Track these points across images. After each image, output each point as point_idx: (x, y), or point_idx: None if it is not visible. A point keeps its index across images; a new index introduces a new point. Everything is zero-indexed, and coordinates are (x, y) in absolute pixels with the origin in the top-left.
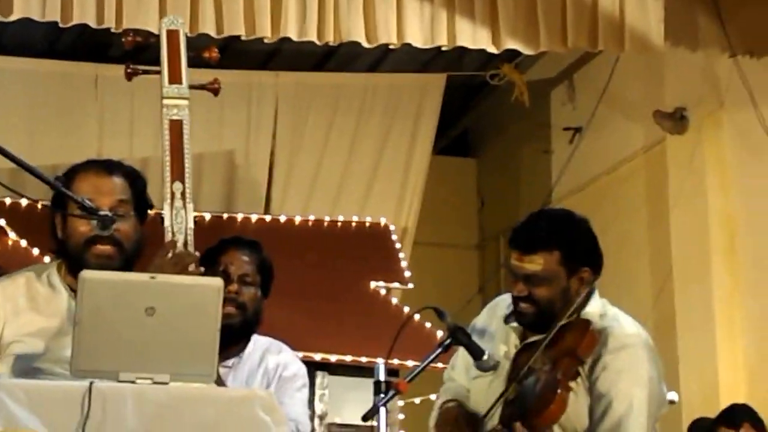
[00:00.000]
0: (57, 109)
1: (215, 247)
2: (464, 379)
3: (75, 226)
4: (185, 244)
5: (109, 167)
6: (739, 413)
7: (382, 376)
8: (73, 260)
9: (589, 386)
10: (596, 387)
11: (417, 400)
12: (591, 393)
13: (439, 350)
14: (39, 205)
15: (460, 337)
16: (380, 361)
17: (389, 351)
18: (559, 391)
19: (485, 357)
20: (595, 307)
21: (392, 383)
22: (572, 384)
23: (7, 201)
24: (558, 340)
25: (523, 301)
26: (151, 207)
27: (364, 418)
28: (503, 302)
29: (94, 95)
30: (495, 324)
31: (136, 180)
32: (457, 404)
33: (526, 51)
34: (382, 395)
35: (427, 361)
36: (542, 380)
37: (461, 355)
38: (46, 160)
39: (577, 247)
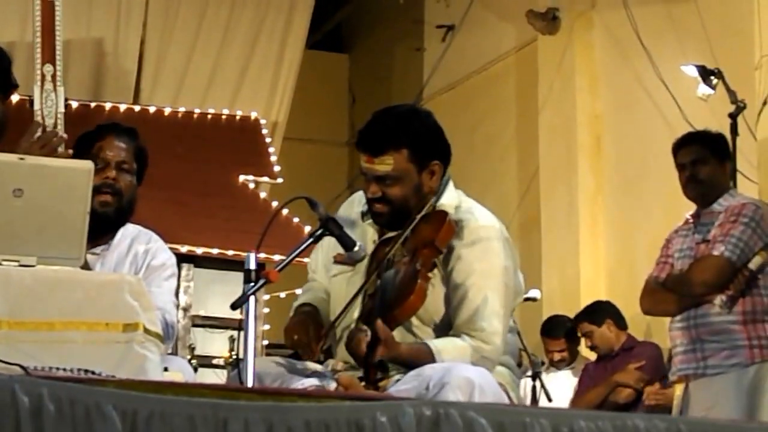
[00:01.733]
0: None
1: (92, 132)
2: (323, 277)
3: None
4: (55, 126)
5: None
6: (601, 310)
7: (252, 266)
8: None
9: (445, 276)
10: (452, 278)
11: (282, 294)
12: (447, 283)
13: (310, 240)
14: None
15: (332, 227)
16: (249, 253)
17: (260, 241)
18: (419, 281)
19: (356, 248)
20: (451, 199)
21: (262, 272)
22: (429, 274)
23: None
24: (415, 232)
25: (378, 201)
26: (15, 86)
27: (233, 306)
28: (359, 198)
29: None
30: (353, 220)
31: None
32: (311, 309)
33: None
34: (252, 284)
35: (297, 251)
36: (402, 272)
37: (320, 252)
38: None
39: (424, 142)
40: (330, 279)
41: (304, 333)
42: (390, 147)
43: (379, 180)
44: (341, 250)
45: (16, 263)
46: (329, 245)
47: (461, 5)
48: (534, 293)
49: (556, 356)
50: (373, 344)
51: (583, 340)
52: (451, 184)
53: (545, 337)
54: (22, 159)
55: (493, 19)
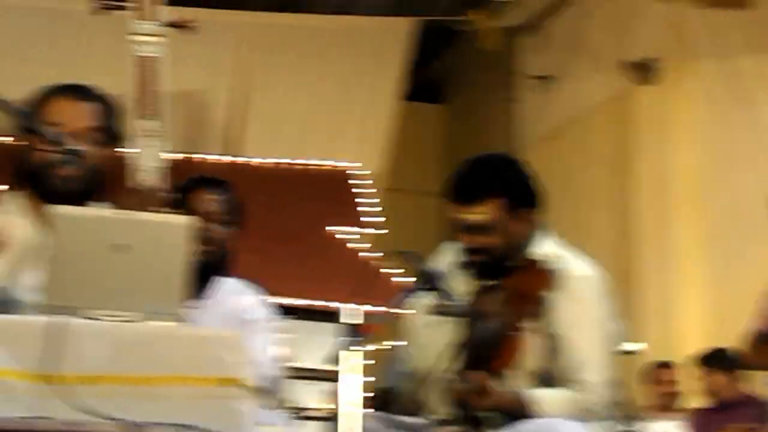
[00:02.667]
0: (12, 43)
1: (183, 186)
2: (417, 330)
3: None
4: (153, 181)
5: (83, 92)
6: (722, 357)
7: (346, 320)
8: (36, 182)
9: (541, 327)
10: (549, 328)
11: (382, 345)
12: (543, 334)
13: (409, 294)
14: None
15: (430, 281)
16: (344, 305)
17: (352, 293)
18: (514, 333)
19: (455, 302)
20: (546, 248)
21: (357, 326)
22: (525, 325)
23: None
24: (510, 283)
25: (472, 251)
26: (122, 137)
27: (327, 360)
28: (450, 248)
29: (55, 29)
30: (447, 271)
31: (109, 107)
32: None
33: None
34: (346, 338)
35: (396, 305)
36: (497, 323)
37: (416, 303)
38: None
39: (518, 190)
40: (423, 329)
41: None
42: (483, 195)
43: (472, 229)
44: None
45: (116, 318)
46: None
47: (557, 56)
48: (633, 346)
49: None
50: (474, 394)
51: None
52: (546, 233)
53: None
54: (124, 215)
55: (588, 69)
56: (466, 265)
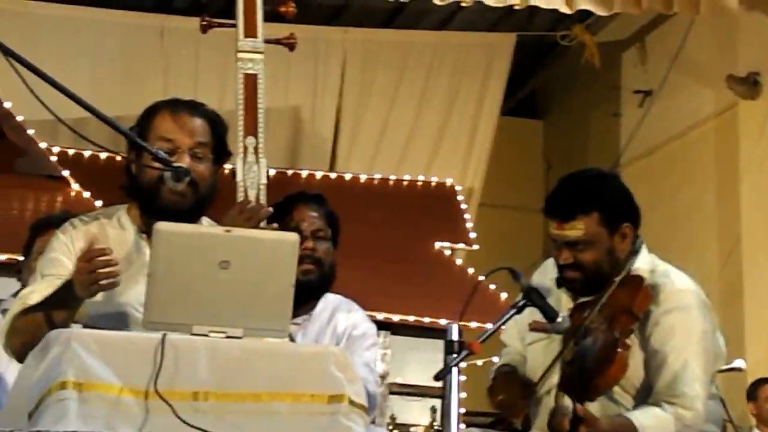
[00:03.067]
0: (123, 61)
1: (282, 203)
2: (518, 345)
3: (149, 171)
4: (257, 199)
5: (192, 107)
6: None
7: (454, 336)
8: (145, 197)
9: (643, 342)
10: (650, 343)
11: (479, 362)
12: (645, 349)
13: (513, 311)
14: (102, 156)
15: (534, 298)
16: (449, 321)
17: (462, 311)
18: (619, 350)
19: (559, 319)
20: (645, 263)
21: (465, 343)
22: (628, 341)
23: (70, 152)
24: (611, 298)
25: (570, 268)
26: (229, 154)
27: (437, 377)
28: (551, 265)
29: (160, 47)
30: (547, 287)
31: (217, 124)
32: (511, 369)
33: (600, 12)
34: (455, 355)
35: (500, 322)
36: (600, 340)
37: (515, 320)
38: (109, 110)
39: (614, 205)
40: (526, 347)
41: (509, 392)
42: (580, 211)
43: (571, 245)
44: (537, 317)
45: (223, 335)
46: (524, 313)
47: (659, 70)
48: (738, 363)
49: None
50: (575, 423)
51: None
52: (644, 248)
53: None
54: (228, 231)
55: (691, 83)
56: (561, 282)
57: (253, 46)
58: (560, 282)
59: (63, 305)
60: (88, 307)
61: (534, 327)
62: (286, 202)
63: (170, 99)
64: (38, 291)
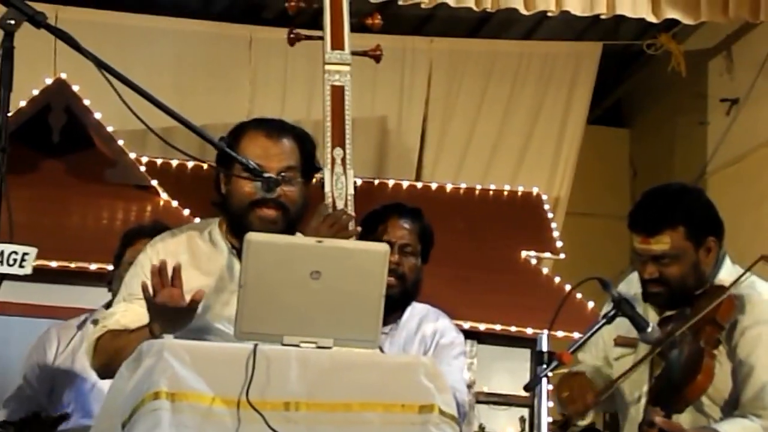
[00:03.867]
0: (209, 71)
1: (377, 212)
2: (599, 360)
3: (240, 185)
4: (345, 209)
5: (279, 129)
6: None
7: (544, 347)
8: (235, 219)
9: (730, 352)
10: (737, 354)
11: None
12: (732, 360)
13: (604, 321)
14: (189, 165)
15: (625, 308)
16: (535, 330)
17: (552, 321)
18: (705, 359)
19: (649, 329)
20: (729, 274)
21: (555, 354)
22: (715, 351)
23: (159, 161)
24: (696, 310)
25: (655, 283)
26: (318, 170)
27: (527, 387)
28: (635, 278)
29: (248, 57)
30: (634, 299)
31: (305, 143)
32: (579, 372)
33: (686, 21)
34: (545, 365)
35: (591, 332)
36: (686, 351)
37: (593, 339)
38: (196, 120)
39: (699, 219)
40: (613, 362)
41: (575, 389)
42: (666, 225)
43: (657, 260)
44: (620, 332)
45: (314, 345)
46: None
47: (746, 78)
48: None
49: None
50: None
51: None
52: (728, 260)
53: None
54: (320, 242)
55: None
56: (646, 297)
57: (340, 58)
58: (645, 297)
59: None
60: None
61: (619, 342)
62: (382, 212)
63: (258, 119)
64: (118, 316)
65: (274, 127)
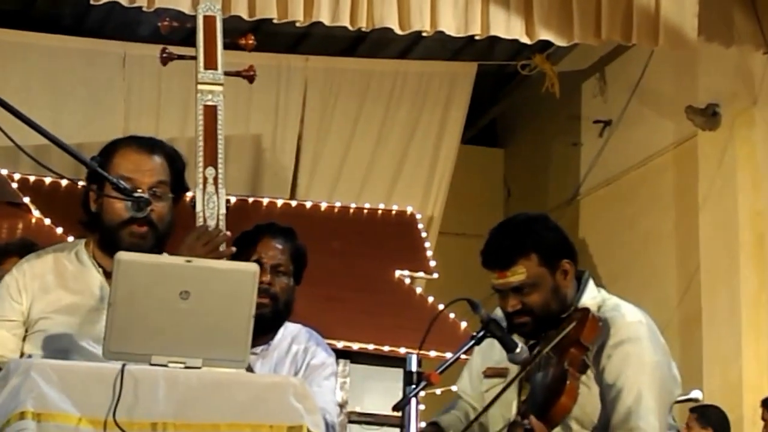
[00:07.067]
0: (83, 87)
1: (249, 232)
2: (474, 389)
3: (110, 203)
4: (220, 228)
5: (151, 145)
6: None
7: (413, 367)
8: (105, 237)
9: (597, 376)
10: (604, 378)
11: (438, 391)
12: (600, 383)
13: (472, 342)
14: (63, 183)
15: (493, 329)
16: (408, 350)
17: (421, 342)
18: (568, 381)
19: (518, 349)
20: (593, 298)
21: (424, 374)
22: (583, 377)
23: (31, 178)
24: (559, 331)
25: (519, 314)
26: (187, 190)
27: (395, 408)
28: (499, 311)
29: (122, 74)
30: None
31: (175, 161)
32: (436, 423)
33: (559, 42)
34: (414, 386)
35: (458, 353)
36: (551, 373)
37: (470, 365)
38: (71, 137)
39: (550, 243)
40: (483, 395)
41: None
42: (518, 255)
43: (517, 291)
44: (490, 363)
45: (182, 365)
46: (477, 361)
47: (619, 100)
48: (695, 394)
49: None
50: None
51: None
52: (591, 283)
53: None
54: (189, 261)
55: (651, 114)
56: (512, 329)
57: (213, 78)
58: (511, 329)
59: None
60: (46, 343)
61: (489, 374)
62: (254, 232)
63: (129, 137)
64: None
65: (145, 144)
